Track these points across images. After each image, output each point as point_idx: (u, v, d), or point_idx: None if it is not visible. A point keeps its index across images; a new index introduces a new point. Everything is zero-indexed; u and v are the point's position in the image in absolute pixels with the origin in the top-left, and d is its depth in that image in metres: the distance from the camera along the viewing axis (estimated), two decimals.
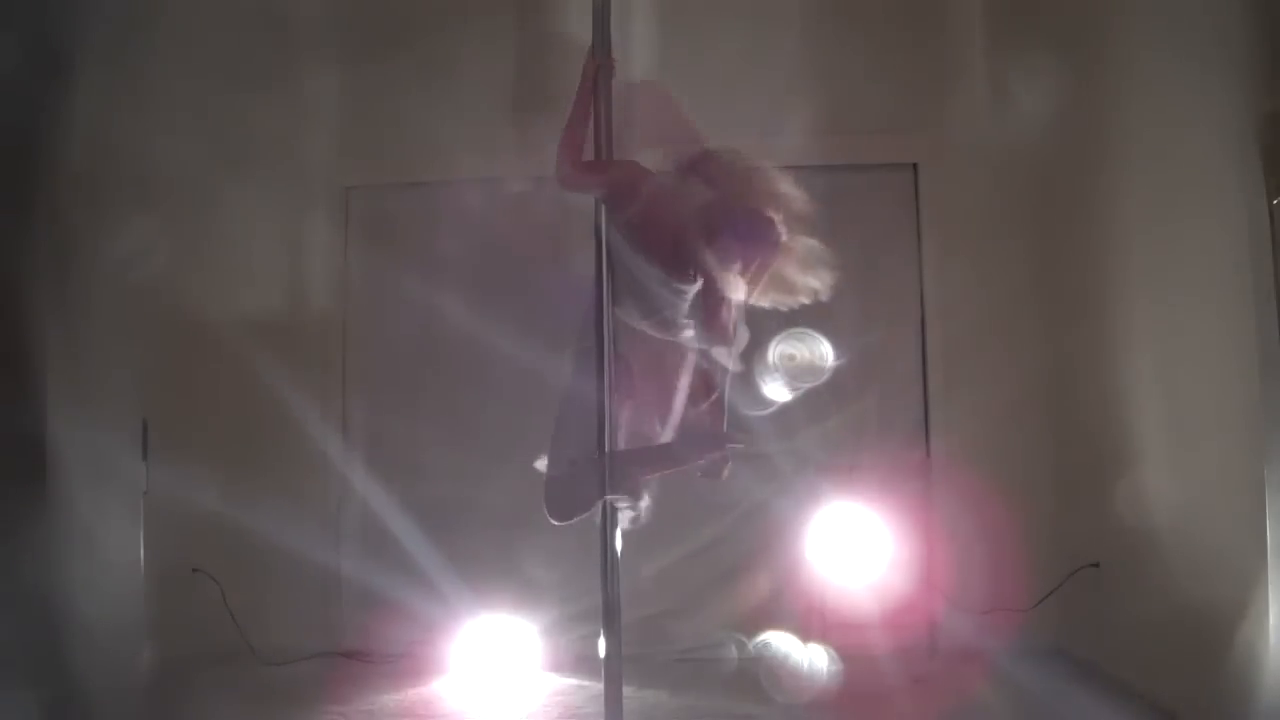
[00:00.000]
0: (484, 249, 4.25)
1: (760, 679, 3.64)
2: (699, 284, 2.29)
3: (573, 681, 3.73)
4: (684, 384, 2.48)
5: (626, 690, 2.41)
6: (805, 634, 3.96)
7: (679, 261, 2.29)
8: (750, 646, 3.94)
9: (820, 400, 4.10)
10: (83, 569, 2.97)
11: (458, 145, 4.28)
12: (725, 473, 2.51)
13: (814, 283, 2.30)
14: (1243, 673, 2.65)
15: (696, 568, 4.06)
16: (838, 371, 4.10)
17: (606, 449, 2.36)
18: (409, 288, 4.17)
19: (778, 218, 2.23)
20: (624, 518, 2.41)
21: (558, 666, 3.88)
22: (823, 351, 4.04)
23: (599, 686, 2.44)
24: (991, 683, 3.51)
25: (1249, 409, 2.66)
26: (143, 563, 3.40)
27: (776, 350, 3.86)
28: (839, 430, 4.12)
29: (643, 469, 2.43)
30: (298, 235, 4.34)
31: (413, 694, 3.60)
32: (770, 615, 4.00)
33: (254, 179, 4.16)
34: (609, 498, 2.36)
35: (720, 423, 2.48)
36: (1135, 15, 3.32)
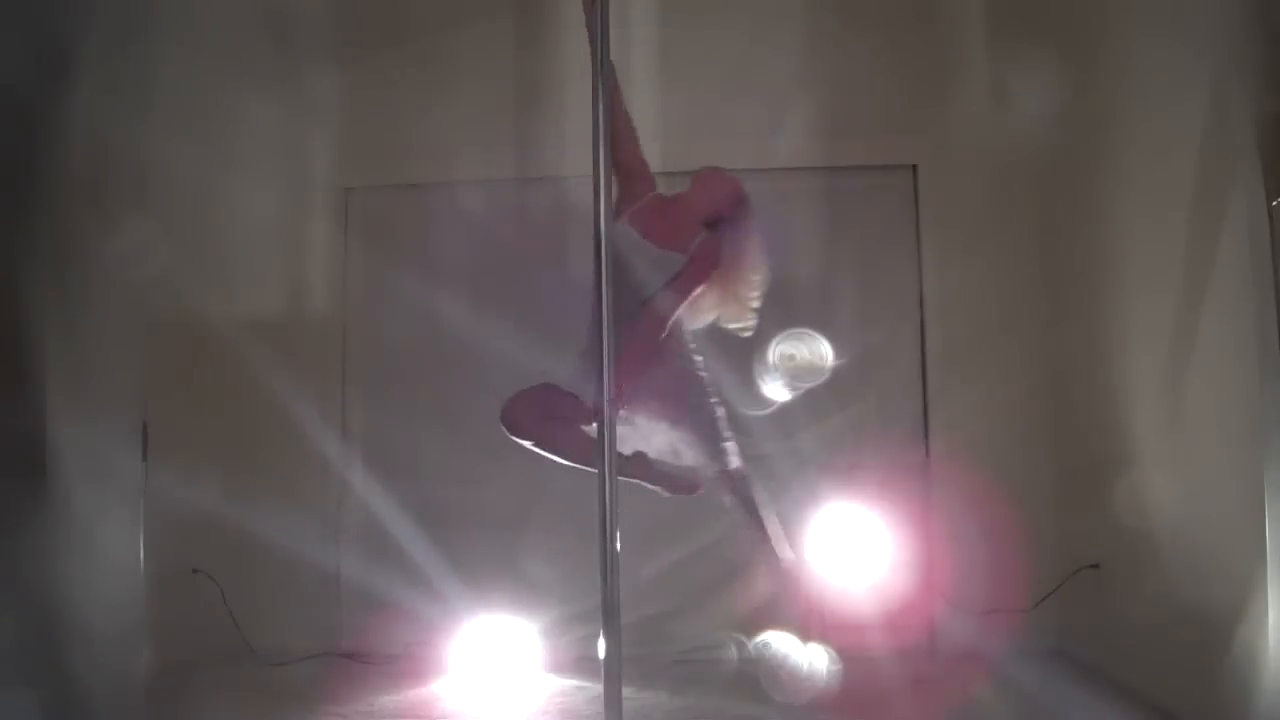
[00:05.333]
0: (484, 249, 4.26)
1: (760, 679, 3.64)
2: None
3: (572, 682, 3.73)
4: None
5: (626, 691, 2.41)
6: (805, 634, 3.96)
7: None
8: (750, 647, 3.94)
9: (820, 400, 4.11)
10: (83, 569, 2.97)
11: (457, 146, 4.28)
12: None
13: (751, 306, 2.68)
14: (1243, 673, 2.65)
15: (696, 568, 4.06)
16: (838, 371, 4.11)
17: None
18: (409, 288, 4.17)
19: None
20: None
21: (557, 667, 3.88)
22: (823, 351, 4.05)
23: (599, 687, 2.44)
24: (991, 684, 3.51)
25: (1249, 409, 2.66)
26: (143, 563, 3.39)
27: (776, 350, 3.86)
28: (839, 430, 4.12)
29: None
30: (298, 235, 4.34)
31: (412, 694, 3.60)
32: (770, 615, 4.00)
33: (254, 179, 4.16)
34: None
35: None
36: (1135, 15, 3.32)
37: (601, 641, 2.35)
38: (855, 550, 3.91)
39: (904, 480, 4.08)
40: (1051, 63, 3.68)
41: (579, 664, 3.83)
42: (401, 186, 4.39)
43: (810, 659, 3.83)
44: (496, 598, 3.94)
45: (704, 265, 2.64)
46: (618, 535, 2.38)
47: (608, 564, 2.36)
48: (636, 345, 2.51)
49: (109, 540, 3.18)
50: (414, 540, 3.95)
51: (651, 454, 2.68)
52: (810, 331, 4.08)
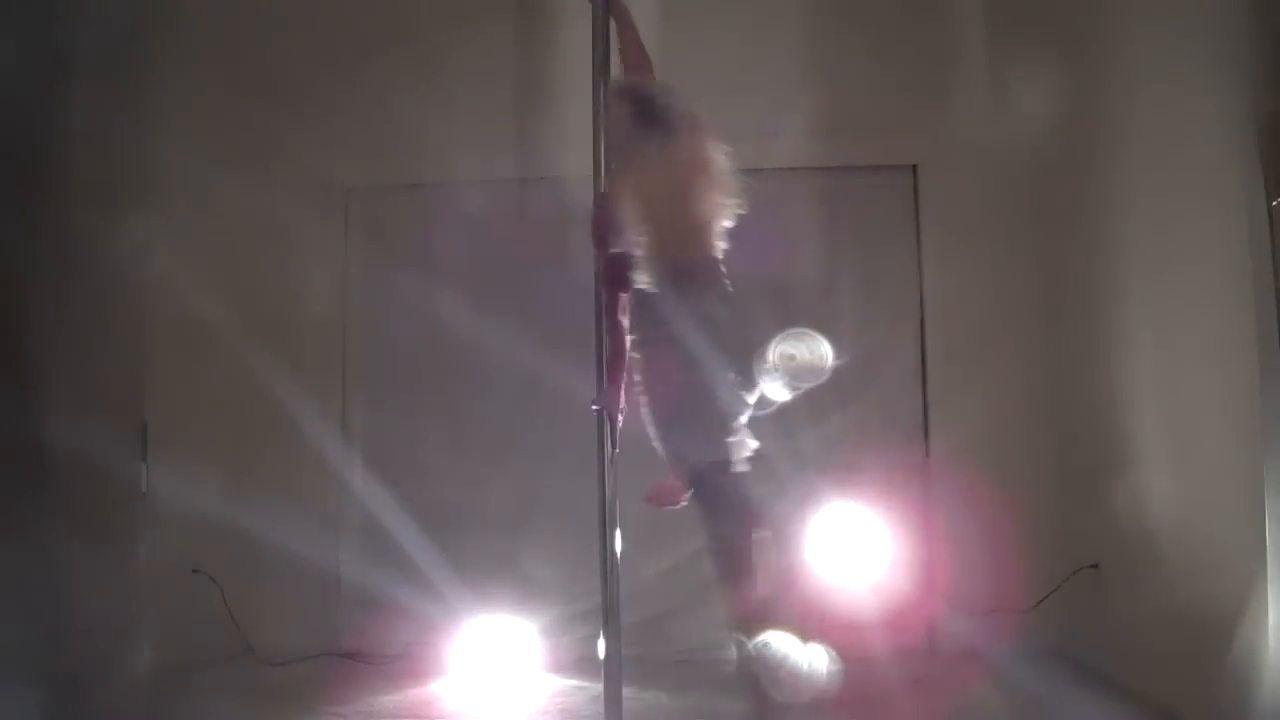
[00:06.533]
0: (484, 250, 4.26)
1: (760, 679, 3.63)
2: None
3: (573, 682, 3.73)
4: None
5: (626, 691, 2.41)
6: (805, 634, 3.95)
7: None
8: (750, 647, 3.93)
9: (820, 400, 4.11)
10: (83, 569, 2.98)
11: (457, 146, 4.28)
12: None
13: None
14: (1243, 673, 2.65)
15: (696, 568, 4.05)
16: (838, 371, 4.10)
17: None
18: (408, 289, 4.17)
19: None
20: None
21: (558, 667, 3.88)
22: (823, 351, 4.03)
23: (599, 687, 2.44)
24: (991, 684, 3.51)
25: (1249, 409, 2.66)
26: (143, 563, 3.40)
27: (776, 350, 3.86)
28: (839, 430, 4.11)
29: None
30: (298, 236, 4.33)
31: (412, 695, 3.60)
32: (770, 615, 3.99)
33: (254, 180, 4.16)
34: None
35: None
36: (1135, 15, 3.32)
37: (601, 641, 2.35)
38: (855, 551, 3.91)
39: (904, 481, 4.07)
40: (1051, 63, 3.68)
41: (579, 664, 3.83)
42: (401, 186, 4.39)
43: (810, 659, 3.83)
44: (496, 598, 3.94)
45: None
46: (618, 535, 2.38)
47: (608, 564, 2.36)
48: (610, 347, 2.48)
49: (109, 540, 3.19)
50: (414, 540, 3.95)
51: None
52: (810, 331, 4.07)
